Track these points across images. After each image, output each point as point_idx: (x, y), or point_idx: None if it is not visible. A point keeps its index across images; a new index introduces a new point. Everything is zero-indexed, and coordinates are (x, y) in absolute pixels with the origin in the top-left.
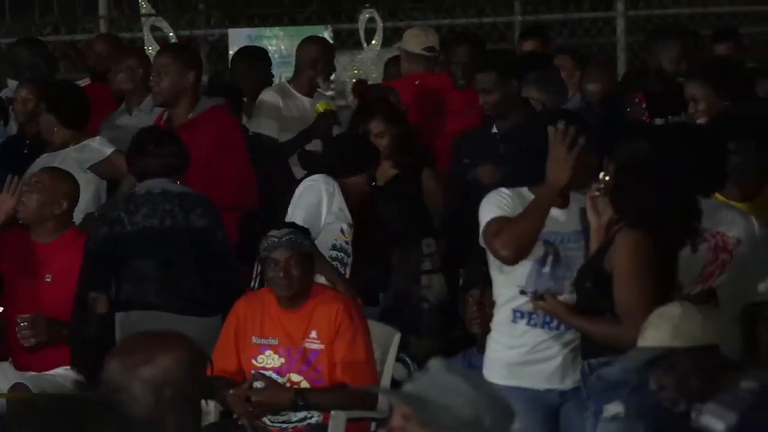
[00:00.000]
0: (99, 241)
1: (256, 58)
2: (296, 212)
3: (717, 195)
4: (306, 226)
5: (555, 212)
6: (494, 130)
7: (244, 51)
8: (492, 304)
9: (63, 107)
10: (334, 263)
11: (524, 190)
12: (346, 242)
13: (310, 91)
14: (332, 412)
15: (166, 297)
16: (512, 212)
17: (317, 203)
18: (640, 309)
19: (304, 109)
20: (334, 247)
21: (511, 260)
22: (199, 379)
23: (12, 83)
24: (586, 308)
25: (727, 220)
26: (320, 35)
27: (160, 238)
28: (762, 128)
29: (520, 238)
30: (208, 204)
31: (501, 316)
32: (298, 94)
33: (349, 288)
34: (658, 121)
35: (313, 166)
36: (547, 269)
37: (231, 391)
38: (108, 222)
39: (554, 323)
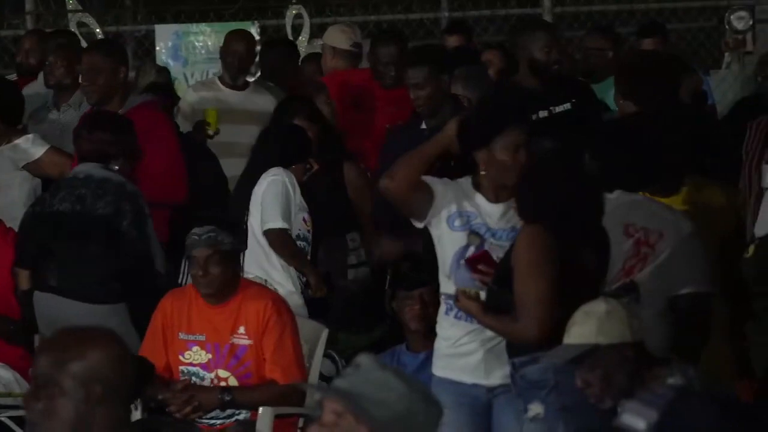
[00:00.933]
0: (25, 218)
1: (287, 50)
2: (270, 208)
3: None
4: (285, 223)
5: (489, 207)
6: (423, 126)
7: (273, 44)
8: (434, 302)
9: None
10: None
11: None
12: (308, 231)
13: (237, 85)
14: (260, 409)
15: (64, 281)
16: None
17: (286, 196)
18: (536, 304)
19: (234, 102)
20: (298, 237)
21: (387, 187)
22: (129, 375)
23: None
24: (494, 306)
25: (650, 215)
26: (246, 30)
27: (66, 222)
28: (681, 125)
29: (399, 165)
30: (127, 194)
31: (441, 307)
32: (226, 89)
33: (320, 282)
34: (542, 113)
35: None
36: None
37: (161, 396)
38: (37, 200)
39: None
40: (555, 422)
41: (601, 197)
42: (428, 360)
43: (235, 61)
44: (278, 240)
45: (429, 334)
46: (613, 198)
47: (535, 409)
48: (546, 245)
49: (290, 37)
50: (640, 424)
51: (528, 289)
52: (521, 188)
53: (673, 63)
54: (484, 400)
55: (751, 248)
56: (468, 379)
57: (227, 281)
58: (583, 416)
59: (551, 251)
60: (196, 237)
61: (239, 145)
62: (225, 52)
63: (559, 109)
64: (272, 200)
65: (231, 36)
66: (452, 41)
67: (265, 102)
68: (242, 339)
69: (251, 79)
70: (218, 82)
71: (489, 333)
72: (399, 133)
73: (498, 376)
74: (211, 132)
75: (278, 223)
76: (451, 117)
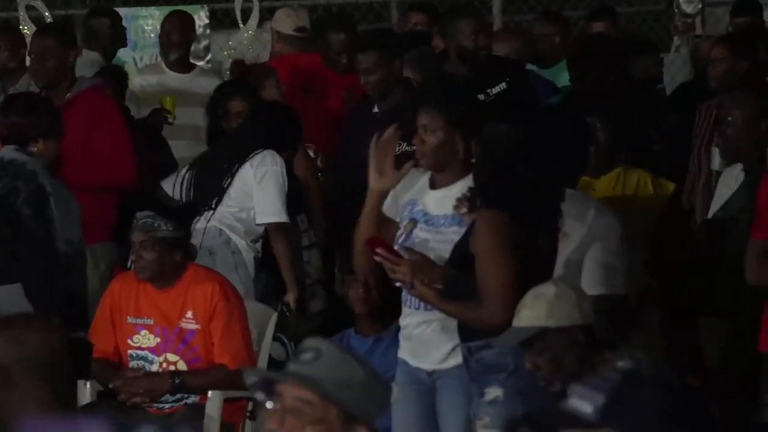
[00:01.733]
0: None
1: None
2: (274, 200)
3: None
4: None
5: (429, 193)
6: (375, 109)
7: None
8: (381, 286)
9: None
10: None
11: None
12: None
13: (181, 68)
14: (210, 392)
15: None
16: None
17: (284, 187)
18: (500, 288)
19: (178, 85)
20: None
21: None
22: (51, 354)
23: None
24: (454, 292)
25: (570, 207)
26: (183, 11)
27: None
28: (613, 105)
29: (355, 241)
30: (24, 173)
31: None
32: (170, 72)
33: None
34: (481, 97)
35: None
36: (397, 246)
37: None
38: None
39: (414, 301)
40: (514, 405)
41: (556, 179)
42: (377, 344)
43: (168, 43)
44: (282, 234)
45: (376, 317)
46: None
47: (494, 392)
48: (506, 229)
49: (239, 21)
50: (587, 407)
51: (491, 274)
52: (476, 173)
53: (622, 45)
54: (428, 383)
55: (698, 233)
56: (413, 361)
57: (163, 267)
58: (541, 398)
59: (511, 235)
60: (135, 221)
61: (183, 128)
62: (161, 34)
63: (495, 89)
64: (276, 191)
65: (166, 18)
66: (415, 18)
67: (210, 85)
68: (190, 323)
69: (201, 63)
70: (163, 65)
71: (428, 316)
72: (352, 116)
73: (432, 361)
74: (171, 120)
75: (283, 217)
76: (402, 100)
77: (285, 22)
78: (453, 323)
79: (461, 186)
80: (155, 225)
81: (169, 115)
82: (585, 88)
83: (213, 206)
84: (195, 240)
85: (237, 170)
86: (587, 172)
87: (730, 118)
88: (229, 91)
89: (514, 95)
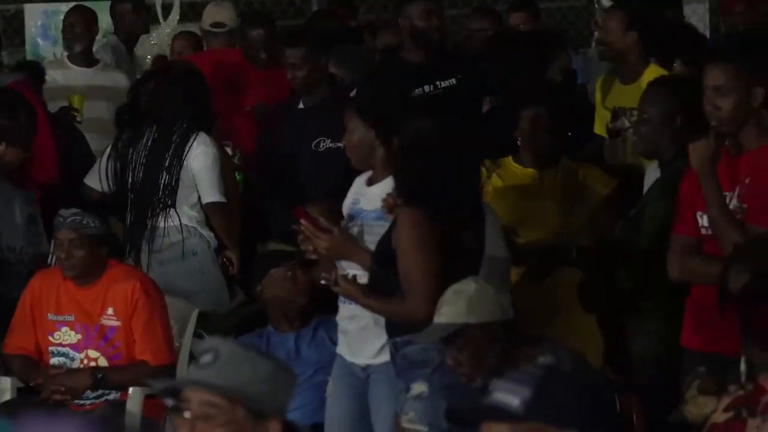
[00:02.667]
0: None
1: None
2: (213, 180)
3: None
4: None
5: (366, 189)
6: (300, 105)
7: None
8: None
9: None
10: None
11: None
12: None
13: (85, 62)
14: (130, 389)
15: None
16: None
17: (218, 165)
18: (424, 284)
19: (82, 80)
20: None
21: None
22: None
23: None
24: (377, 288)
25: None
26: (85, 6)
27: None
28: (556, 98)
29: None
30: None
31: None
32: (74, 66)
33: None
34: (428, 88)
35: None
36: None
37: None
38: None
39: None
40: (439, 400)
41: (478, 175)
42: (299, 340)
43: (72, 36)
44: (223, 213)
45: (290, 315)
46: None
47: (419, 387)
48: (427, 224)
49: (160, 17)
50: (513, 401)
51: (414, 269)
52: (397, 169)
53: (541, 39)
54: (362, 377)
55: (618, 227)
56: (346, 356)
57: (91, 264)
58: (465, 394)
59: (432, 230)
60: (61, 219)
61: (88, 121)
62: (63, 28)
63: (444, 84)
64: (216, 171)
65: (68, 12)
66: (335, 15)
67: (114, 79)
68: (111, 320)
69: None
70: (67, 60)
71: (356, 312)
72: (278, 111)
73: (365, 355)
74: (79, 119)
75: (222, 197)
76: (327, 96)
77: (205, 16)
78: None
79: (388, 182)
80: (84, 222)
81: (77, 114)
82: (515, 82)
83: (168, 203)
84: (166, 239)
85: (181, 164)
86: (532, 165)
87: (645, 115)
88: (146, 82)
89: (464, 92)
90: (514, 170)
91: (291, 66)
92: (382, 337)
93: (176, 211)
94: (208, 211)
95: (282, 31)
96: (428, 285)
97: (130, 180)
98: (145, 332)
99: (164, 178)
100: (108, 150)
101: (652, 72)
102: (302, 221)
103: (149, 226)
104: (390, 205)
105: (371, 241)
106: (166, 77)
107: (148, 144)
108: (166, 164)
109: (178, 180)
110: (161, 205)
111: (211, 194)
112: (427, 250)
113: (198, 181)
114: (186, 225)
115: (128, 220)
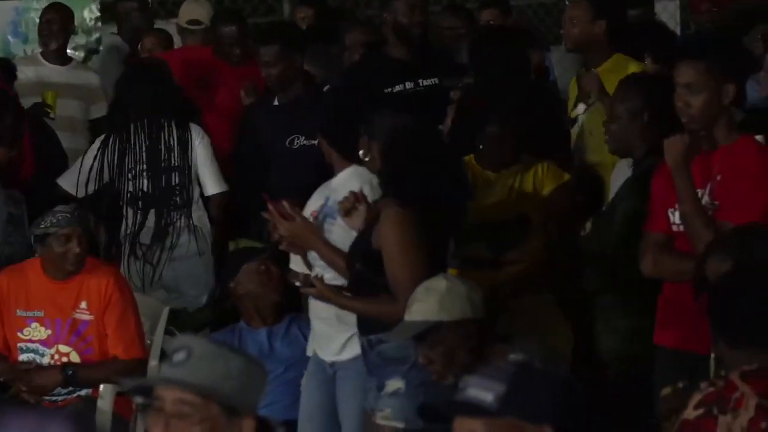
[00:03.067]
0: None
1: None
2: (216, 170)
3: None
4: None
5: (330, 184)
6: (275, 102)
7: None
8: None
9: None
10: None
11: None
12: None
13: (59, 60)
14: (101, 386)
15: None
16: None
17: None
18: (413, 284)
19: (55, 77)
20: None
21: None
22: None
23: None
24: (359, 288)
25: None
26: (62, 3)
27: None
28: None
29: None
30: None
31: None
32: (48, 64)
33: None
34: (409, 85)
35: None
36: None
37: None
38: None
39: None
40: (415, 397)
41: (460, 174)
42: (272, 337)
43: (49, 33)
44: (223, 203)
45: (264, 310)
46: None
47: (395, 384)
48: (413, 224)
49: None
50: (487, 396)
51: (403, 270)
52: (381, 169)
53: (516, 36)
54: (330, 373)
55: (588, 225)
56: (318, 352)
57: (85, 258)
58: (443, 391)
59: (417, 228)
60: (67, 215)
61: (60, 119)
62: (40, 25)
63: (426, 82)
64: (214, 162)
65: (46, 9)
66: (300, 14)
67: (87, 77)
68: (84, 314)
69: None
70: (40, 57)
71: (319, 309)
72: (254, 109)
73: (330, 352)
74: (52, 115)
75: (225, 186)
76: (302, 93)
77: (181, 14)
78: (347, 315)
79: (347, 173)
80: (86, 216)
81: (50, 110)
82: (487, 79)
83: (184, 203)
84: (177, 239)
85: (189, 163)
86: (491, 168)
87: (615, 113)
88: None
89: (446, 92)
90: (473, 169)
91: (265, 64)
92: (345, 333)
93: (190, 211)
94: (213, 203)
95: (254, 29)
96: (418, 285)
97: (131, 188)
98: (119, 327)
99: (175, 178)
100: (90, 156)
101: (618, 60)
102: (268, 206)
103: (162, 226)
104: (346, 208)
105: (332, 236)
106: (141, 74)
107: (144, 147)
108: (175, 164)
109: (190, 178)
110: (177, 206)
111: (215, 185)
112: (417, 251)
113: (201, 174)
114: (196, 225)
115: (134, 223)
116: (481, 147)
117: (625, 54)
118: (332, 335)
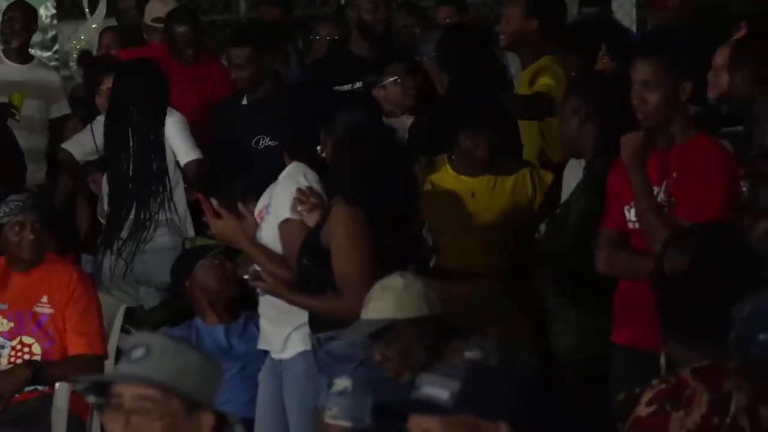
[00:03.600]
0: None
1: None
2: (187, 140)
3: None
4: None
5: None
6: (244, 101)
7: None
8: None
9: None
10: None
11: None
12: None
13: (20, 58)
14: (57, 384)
15: None
16: None
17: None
18: (360, 281)
19: (16, 76)
20: None
21: None
22: None
23: None
24: (306, 285)
25: None
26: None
27: None
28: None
29: None
30: None
31: None
32: (8, 62)
33: None
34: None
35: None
36: None
37: None
38: None
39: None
40: (363, 396)
41: (411, 172)
42: (229, 334)
43: (11, 32)
44: (200, 173)
45: (220, 307)
46: None
47: (342, 383)
48: (360, 221)
49: (87, 12)
50: (442, 394)
51: (350, 266)
52: (332, 165)
53: (482, 34)
54: (279, 369)
55: (542, 227)
56: (267, 349)
57: (42, 248)
58: (390, 389)
59: (366, 226)
60: (19, 203)
61: (21, 118)
62: (2, 23)
63: (389, 80)
64: (186, 132)
65: (9, 7)
66: (267, 14)
67: (48, 76)
68: (44, 308)
69: (47, 54)
70: (1, 54)
71: (264, 307)
72: (221, 108)
73: (274, 350)
74: (17, 117)
75: (200, 153)
76: (270, 93)
77: (147, 11)
78: (286, 314)
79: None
80: (41, 205)
81: (16, 112)
82: (460, 79)
83: (161, 191)
84: (152, 232)
85: (163, 146)
86: (467, 174)
87: (561, 115)
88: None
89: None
90: (448, 175)
91: (236, 66)
92: (285, 330)
93: (167, 202)
94: (188, 171)
95: (210, 26)
96: (365, 282)
97: (123, 169)
98: (81, 321)
99: (155, 163)
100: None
101: (545, 61)
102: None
103: (142, 219)
104: (299, 203)
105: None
106: (126, 69)
107: (136, 134)
108: (152, 148)
109: (165, 163)
110: (155, 194)
111: (190, 153)
112: (364, 248)
113: (174, 145)
114: (173, 219)
115: (116, 210)
116: (455, 151)
117: (578, 54)
118: (273, 332)
